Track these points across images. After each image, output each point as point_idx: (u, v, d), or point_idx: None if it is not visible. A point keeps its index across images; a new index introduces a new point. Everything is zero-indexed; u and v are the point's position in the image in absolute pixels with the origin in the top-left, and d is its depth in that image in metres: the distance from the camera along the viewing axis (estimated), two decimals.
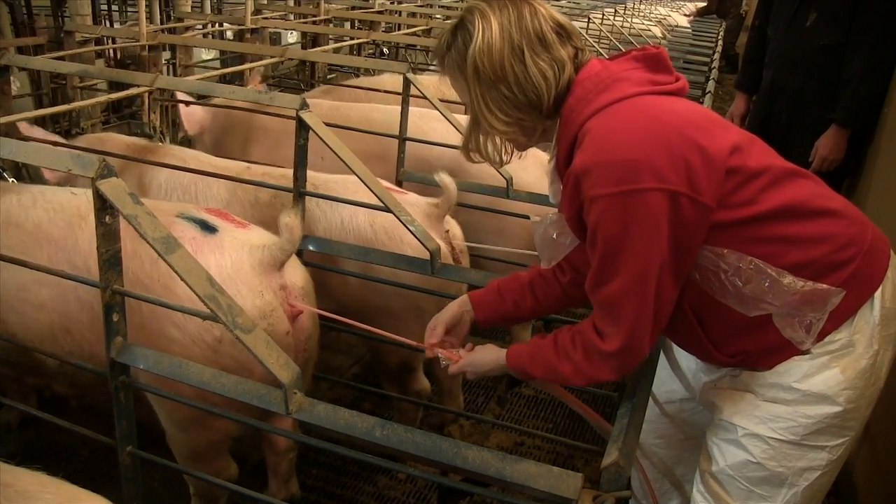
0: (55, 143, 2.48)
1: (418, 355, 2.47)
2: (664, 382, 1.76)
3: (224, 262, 1.81)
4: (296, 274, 1.96)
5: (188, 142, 4.54)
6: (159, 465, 1.63)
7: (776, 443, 1.42)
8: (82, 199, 2.02)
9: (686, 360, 1.66)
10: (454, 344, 1.67)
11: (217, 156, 3.23)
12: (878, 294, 1.38)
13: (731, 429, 1.47)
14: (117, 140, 2.73)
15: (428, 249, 2.07)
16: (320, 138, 2.11)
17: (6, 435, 2.59)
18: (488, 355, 1.56)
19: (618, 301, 1.31)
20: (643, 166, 1.24)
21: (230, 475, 2.07)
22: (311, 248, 2.25)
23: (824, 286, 1.33)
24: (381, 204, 2.11)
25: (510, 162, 1.54)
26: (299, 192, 2.22)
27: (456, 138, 2.71)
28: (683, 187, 1.25)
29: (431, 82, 3.85)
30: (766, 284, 1.33)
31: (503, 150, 1.51)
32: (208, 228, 1.88)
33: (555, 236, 1.52)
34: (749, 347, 1.42)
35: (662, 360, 1.73)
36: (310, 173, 2.29)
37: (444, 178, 2.32)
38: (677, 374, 1.71)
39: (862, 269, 1.36)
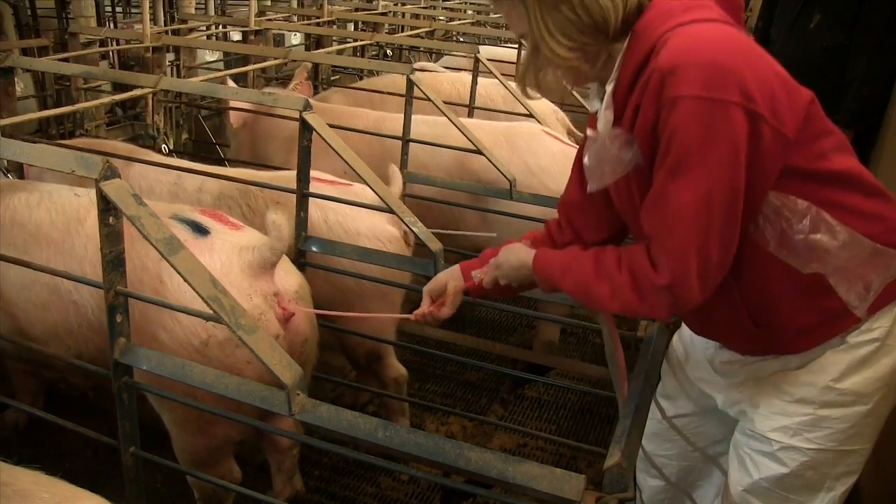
0: None
1: (384, 345, 2.50)
2: (672, 397, 1.71)
3: (214, 265, 1.79)
4: (289, 278, 1.94)
5: (192, 143, 4.56)
6: (162, 466, 1.63)
7: (814, 453, 1.37)
8: (83, 201, 2.02)
9: (697, 370, 1.61)
10: (438, 312, 1.60)
11: (254, 158, 3.22)
12: None
13: (764, 441, 1.41)
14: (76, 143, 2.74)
15: (431, 250, 2.07)
16: (324, 140, 2.11)
17: (13, 435, 2.60)
18: (514, 255, 1.46)
19: (676, 223, 1.20)
20: (733, 77, 1.15)
21: (233, 480, 2.06)
22: (314, 248, 2.25)
23: (890, 248, 1.28)
24: (384, 205, 2.13)
25: (572, 91, 1.42)
26: (303, 194, 2.22)
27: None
28: (767, 112, 1.17)
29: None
30: (828, 236, 1.26)
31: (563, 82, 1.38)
32: (200, 230, 1.88)
33: (616, 150, 1.31)
34: (783, 322, 1.34)
35: (669, 372, 1.70)
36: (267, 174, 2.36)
37: (393, 169, 2.42)
38: (685, 387, 1.66)
39: None
